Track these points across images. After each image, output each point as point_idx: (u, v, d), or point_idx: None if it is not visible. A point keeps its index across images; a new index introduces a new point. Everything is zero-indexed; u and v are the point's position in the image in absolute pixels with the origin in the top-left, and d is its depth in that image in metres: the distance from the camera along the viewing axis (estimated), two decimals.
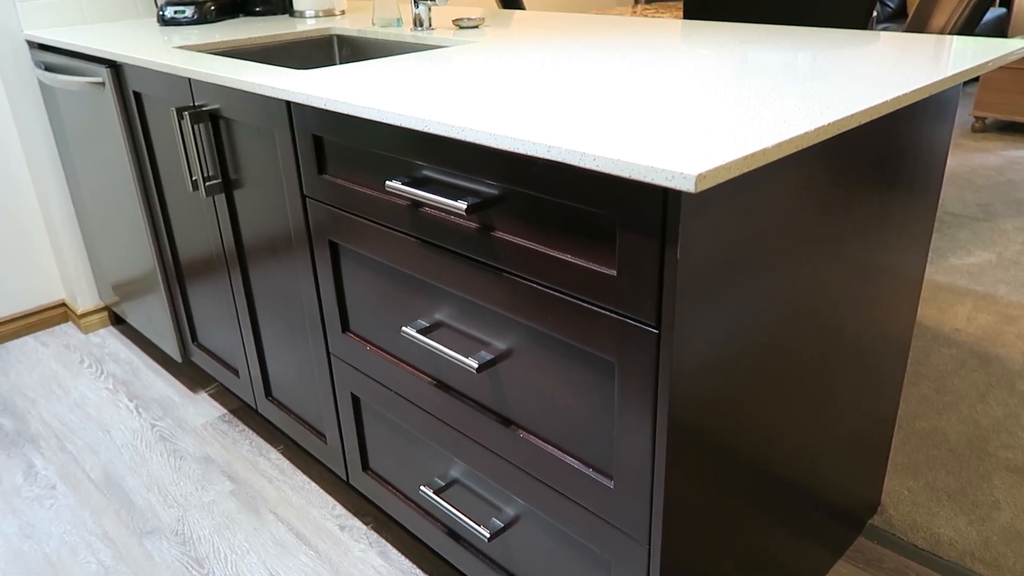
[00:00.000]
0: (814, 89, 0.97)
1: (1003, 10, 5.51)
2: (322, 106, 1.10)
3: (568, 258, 0.87)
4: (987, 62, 1.12)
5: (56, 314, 2.43)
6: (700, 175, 0.69)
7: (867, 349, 1.24)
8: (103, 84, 1.73)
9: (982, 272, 2.56)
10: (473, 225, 0.98)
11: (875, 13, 2.29)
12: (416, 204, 1.06)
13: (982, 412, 1.83)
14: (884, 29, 4.94)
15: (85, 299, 2.37)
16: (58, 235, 2.28)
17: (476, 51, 1.41)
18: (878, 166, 1.07)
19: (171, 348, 2.02)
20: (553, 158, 0.80)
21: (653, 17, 2.97)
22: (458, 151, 0.95)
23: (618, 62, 1.23)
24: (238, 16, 2.22)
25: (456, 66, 1.26)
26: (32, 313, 2.38)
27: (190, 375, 2.14)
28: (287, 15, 2.22)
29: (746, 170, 0.74)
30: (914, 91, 0.97)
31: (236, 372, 1.79)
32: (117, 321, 2.44)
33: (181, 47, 1.66)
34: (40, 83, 2.12)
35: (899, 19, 5.40)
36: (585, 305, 0.87)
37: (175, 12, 2.07)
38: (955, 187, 3.38)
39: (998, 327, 2.21)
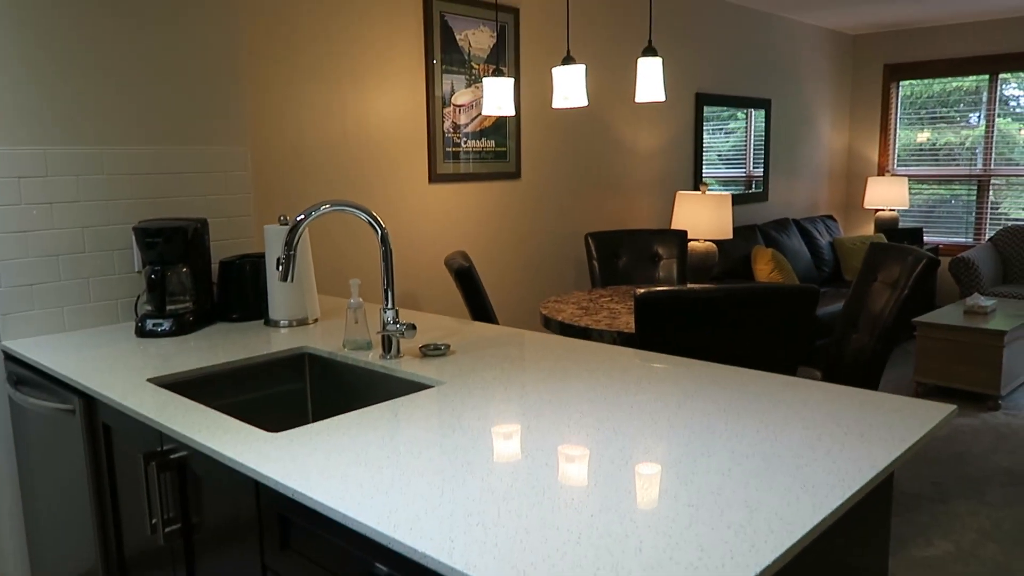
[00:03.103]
0: (756, 497, 1.04)
1: None
2: (289, 495, 1.13)
3: None
4: (922, 437, 1.21)
5: None
6: None
7: None
8: (73, 412, 1.77)
9: (943, 567, 2.57)
10: None
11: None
12: None
13: None
14: (824, 293, 5.32)
15: None
16: (2, 543, 2.19)
17: (442, 401, 1.49)
18: None
19: None
20: None
21: (607, 307, 3.18)
22: (424, 571, 0.97)
23: (576, 431, 1.30)
24: (215, 323, 2.33)
25: (421, 429, 1.32)
26: None
27: None
28: (262, 321, 2.33)
29: None
30: (853, 494, 1.04)
31: None
32: None
33: (155, 379, 1.71)
34: (9, 397, 2.15)
35: (836, 283, 5.85)
36: None
37: (153, 325, 2.16)
38: (906, 460, 3.47)
39: None
